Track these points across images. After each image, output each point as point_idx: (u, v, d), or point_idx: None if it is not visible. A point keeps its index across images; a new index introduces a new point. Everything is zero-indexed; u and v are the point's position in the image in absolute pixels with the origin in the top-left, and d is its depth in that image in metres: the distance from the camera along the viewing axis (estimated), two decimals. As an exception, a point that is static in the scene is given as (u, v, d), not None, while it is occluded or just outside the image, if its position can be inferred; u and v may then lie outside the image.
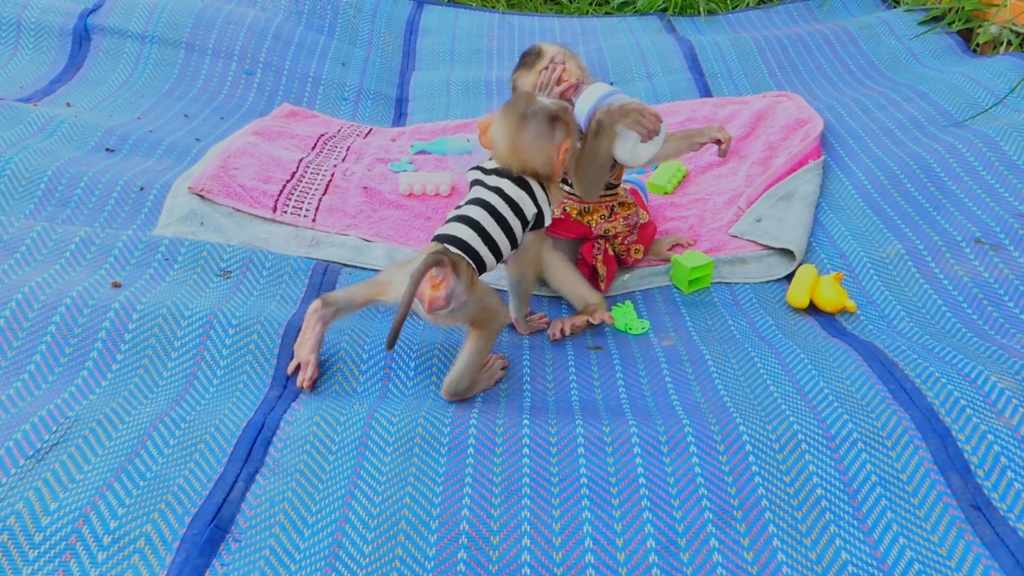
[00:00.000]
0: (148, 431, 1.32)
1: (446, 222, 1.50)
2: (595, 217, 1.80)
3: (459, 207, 1.52)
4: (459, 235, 1.45)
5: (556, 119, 1.51)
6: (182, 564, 1.12)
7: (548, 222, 1.56)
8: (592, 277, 1.83)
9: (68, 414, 1.33)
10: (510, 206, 1.50)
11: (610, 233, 1.82)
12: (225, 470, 1.27)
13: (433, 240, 1.45)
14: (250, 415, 1.38)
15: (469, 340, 1.43)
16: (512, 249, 1.52)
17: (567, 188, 1.79)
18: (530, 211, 1.51)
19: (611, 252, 1.84)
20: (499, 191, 1.50)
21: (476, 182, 1.55)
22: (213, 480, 1.25)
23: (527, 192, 1.51)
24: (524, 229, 1.52)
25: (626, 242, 1.85)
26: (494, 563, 1.14)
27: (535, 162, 1.51)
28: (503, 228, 1.48)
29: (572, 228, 1.82)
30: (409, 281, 1.29)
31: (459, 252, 1.41)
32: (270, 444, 1.32)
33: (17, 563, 1.11)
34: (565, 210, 1.81)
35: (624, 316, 1.73)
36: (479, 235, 1.45)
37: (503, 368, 1.55)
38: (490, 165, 1.56)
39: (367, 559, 1.14)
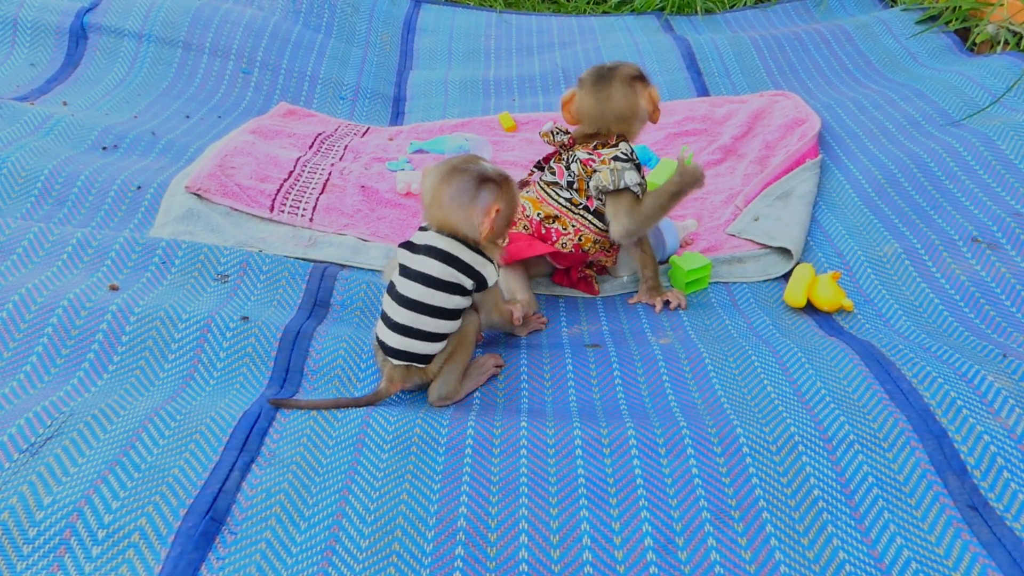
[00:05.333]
0: (143, 423, 1.32)
1: (381, 312, 1.47)
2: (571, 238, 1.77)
3: (389, 288, 1.47)
4: (394, 345, 1.43)
5: (487, 181, 1.43)
6: (177, 558, 1.12)
7: (492, 281, 1.46)
8: (583, 282, 1.85)
9: (63, 409, 1.33)
10: (438, 287, 1.42)
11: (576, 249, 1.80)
12: (221, 459, 1.27)
13: (376, 339, 1.48)
14: (247, 406, 1.39)
15: (448, 347, 1.47)
16: (457, 318, 1.46)
17: (599, 224, 1.75)
18: (466, 283, 1.43)
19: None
20: (424, 277, 1.42)
21: (402, 268, 1.45)
22: (209, 469, 1.25)
23: (455, 267, 1.42)
24: (467, 294, 1.45)
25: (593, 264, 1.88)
26: (492, 559, 1.14)
27: (454, 219, 1.43)
28: (435, 314, 1.42)
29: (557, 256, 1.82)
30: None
31: (400, 363, 1.44)
32: (266, 435, 1.33)
33: (11, 558, 1.11)
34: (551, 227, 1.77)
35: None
36: (411, 336, 1.43)
37: (496, 366, 1.55)
38: (419, 239, 1.46)
39: (364, 553, 1.14)
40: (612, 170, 1.70)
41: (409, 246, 1.47)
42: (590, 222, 1.75)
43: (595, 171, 1.72)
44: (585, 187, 1.74)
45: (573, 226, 1.75)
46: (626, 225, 1.71)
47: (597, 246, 1.79)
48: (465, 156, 1.49)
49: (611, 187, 1.70)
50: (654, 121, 1.81)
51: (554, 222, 1.75)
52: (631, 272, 1.89)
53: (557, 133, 1.77)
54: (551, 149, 1.82)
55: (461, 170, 1.44)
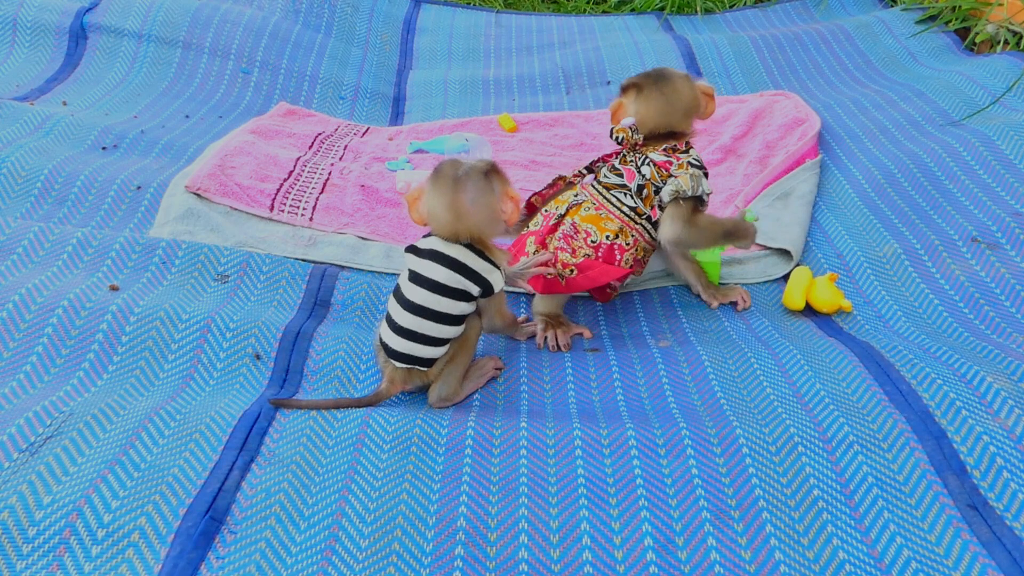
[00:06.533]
0: (143, 423, 1.32)
1: (386, 314, 1.47)
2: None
3: (395, 291, 1.46)
4: (397, 348, 1.43)
5: (488, 173, 1.43)
6: (177, 558, 1.12)
7: (499, 287, 1.46)
8: (599, 290, 1.78)
9: (63, 409, 1.33)
10: (445, 293, 1.41)
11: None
12: (220, 458, 1.27)
13: (379, 341, 1.48)
14: (246, 406, 1.39)
15: (449, 350, 1.47)
16: (461, 324, 1.46)
17: (655, 235, 1.66)
18: (473, 290, 1.43)
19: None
20: (430, 282, 1.41)
21: (411, 273, 1.45)
22: (208, 468, 1.25)
23: (463, 273, 1.42)
24: (473, 300, 1.45)
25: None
26: (492, 559, 1.14)
27: (481, 221, 1.42)
28: (440, 320, 1.42)
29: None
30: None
31: (402, 365, 1.44)
32: (266, 434, 1.33)
33: (11, 557, 1.11)
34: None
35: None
36: (415, 340, 1.42)
37: (496, 368, 1.55)
38: (424, 244, 1.45)
39: (364, 553, 1.14)
40: (692, 175, 1.63)
41: (414, 250, 1.47)
42: (649, 233, 1.67)
43: (671, 175, 1.63)
44: (653, 194, 1.65)
45: (634, 237, 1.65)
46: (680, 233, 1.63)
47: (646, 256, 1.72)
48: (447, 163, 1.45)
49: (689, 192, 1.62)
50: (707, 115, 1.75)
51: (618, 237, 1.64)
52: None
53: (634, 131, 1.68)
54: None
55: (462, 176, 1.42)
